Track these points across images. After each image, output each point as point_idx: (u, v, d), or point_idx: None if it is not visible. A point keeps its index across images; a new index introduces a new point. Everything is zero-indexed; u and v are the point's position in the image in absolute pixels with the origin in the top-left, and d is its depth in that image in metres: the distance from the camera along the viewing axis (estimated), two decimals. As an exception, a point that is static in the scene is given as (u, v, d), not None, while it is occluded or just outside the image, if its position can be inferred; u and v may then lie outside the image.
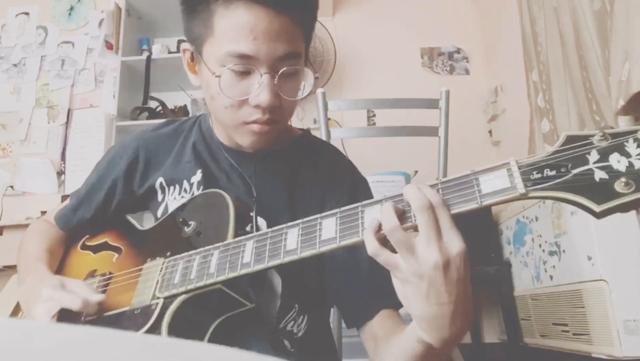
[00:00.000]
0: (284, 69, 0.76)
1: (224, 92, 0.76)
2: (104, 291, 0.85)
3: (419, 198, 0.54)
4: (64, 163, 3.16)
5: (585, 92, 1.93)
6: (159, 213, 0.94)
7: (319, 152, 0.98)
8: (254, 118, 0.78)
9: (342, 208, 0.63)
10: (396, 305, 0.81)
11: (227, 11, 0.73)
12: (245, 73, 0.75)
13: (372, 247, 0.56)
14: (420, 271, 0.53)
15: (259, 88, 0.75)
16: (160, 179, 0.94)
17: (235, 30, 0.73)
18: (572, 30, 2.00)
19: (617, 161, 0.48)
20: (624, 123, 1.68)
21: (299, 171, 0.92)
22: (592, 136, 0.50)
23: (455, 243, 0.53)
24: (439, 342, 0.57)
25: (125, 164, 0.96)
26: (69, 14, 3.44)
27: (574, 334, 1.83)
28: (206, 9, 0.75)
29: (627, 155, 0.48)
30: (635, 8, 1.53)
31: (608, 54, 1.74)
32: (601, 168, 0.48)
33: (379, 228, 0.57)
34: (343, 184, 0.91)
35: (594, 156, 0.49)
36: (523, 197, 0.51)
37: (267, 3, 0.72)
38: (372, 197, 0.93)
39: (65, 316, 0.75)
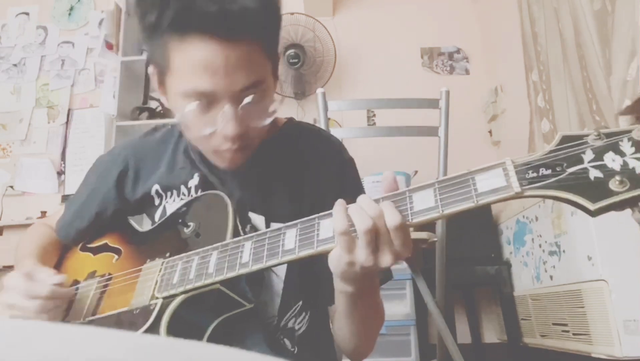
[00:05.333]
0: (247, 99, 0.73)
1: (190, 127, 0.76)
2: (103, 292, 0.85)
3: (363, 221, 0.59)
4: (64, 163, 3.17)
5: (585, 92, 1.93)
6: (157, 216, 0.94)
7: (306, 136, 0.98)
8: (225, 147, 0.78)
9: None
10: None
11: (182, 45, 0.69)
12: (209, 106, 0.73)
13: (344, 225, 0.60)
14: (374, 264, 0.61)
15: (224, 120, 0.73)
16: (156, 187, 0.94)
17: (191, 67, 0.70)
18: (572, 31, 2.00)
19: (611, 160, 0.48)
20: (624, 123, 1.67)
21: (289, 158, 0.92)
22: (587, 135, 0.51)
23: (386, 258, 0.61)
24: (360, 290, 0.69)
25: (115, 174, 0.96)
26: (69, 14, 3.45)
27: (574, 334, 1.83)
28: (161, 41, 0.72)
29: (622, 154, 0.48)
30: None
31: (608, 54, 1.73)
32: (596, 167, 0.49)
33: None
34: (331, 165, 0.92)
35: (589, 155, 0.50)
36: (518, 196, 0.52)
37: (221, 35, 0.68)
38: (358, 177, 0.94)
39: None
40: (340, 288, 0.71)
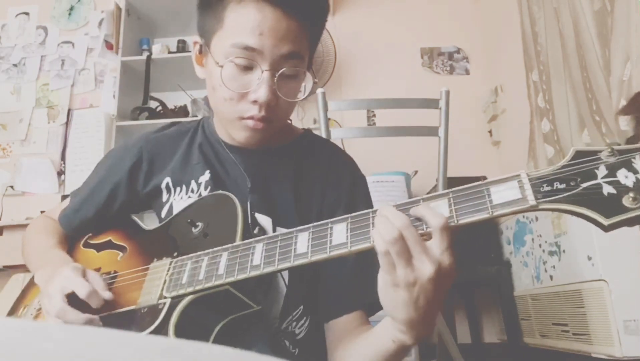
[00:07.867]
0: (285, 69, 0.79)
1: (225, 84, 0.79)
2: (109, 290, 0.85)
3: (389, 231, 0.56)
4: (64, 163, 3.16)
5: (585, 92, 1.93)
6: (163, 213, 0.94)
7: (321, 149, 0.99)
8: (250, 114, 0.81)
9: (353, 214, 0.64)
10: (370, 307, 0.85)
11: (239, 7, 0.77)
12: (247, 68, 0.79)
13: (384, 246, 0.58)
14: (414, 280, 0.56)
15: (259, 84, 0.78)
16: (167, 180, 0.94)
17: (244, 24, 0.76)
18: (572, 30, 2.00)
19: (624, 177, 0.49)
20: (624, 123, 1.68)
21: (302, 167, 0.93)
22: (601, 151, 0.51)
23: (446, 259, 0.56)
24: (416, 340, 0.63)
25: (129, 165, 0.96)
26: (69, 14, 3.44)
27: (574, 334, 1.84)
28: (220, 3, 0.79)
29: (635, 171, 0.49)
30: (636, 8, 1.54)
31: (608, 54, 1.74)
32: (609, 183, 0.50)
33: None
34: (343, 180, 0.93)
35: (602, 171, 0.50)
36: (533, 208, 0.52)
37: (277, 4, 0.76)
38: (369, 195, 0.95)
39: (74, 301, 0.75)
40: (391, 331, 0.65)
